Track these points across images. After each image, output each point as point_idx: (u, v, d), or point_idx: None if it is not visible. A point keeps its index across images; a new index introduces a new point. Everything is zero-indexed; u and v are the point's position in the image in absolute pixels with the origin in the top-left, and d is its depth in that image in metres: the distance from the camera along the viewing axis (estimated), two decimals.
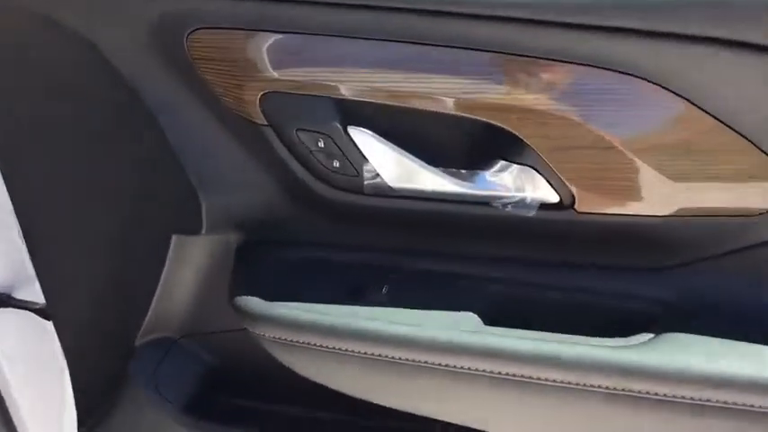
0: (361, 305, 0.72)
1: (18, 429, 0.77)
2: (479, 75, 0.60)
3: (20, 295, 0.94)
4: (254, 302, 0.74)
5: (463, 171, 0.67)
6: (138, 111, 0.70)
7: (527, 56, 0.59)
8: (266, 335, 0.74)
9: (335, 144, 0.67)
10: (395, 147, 0.66)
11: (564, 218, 0.67)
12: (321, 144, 0.67)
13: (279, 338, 0.73)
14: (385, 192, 0.69)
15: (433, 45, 0.60)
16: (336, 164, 0.68)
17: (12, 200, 0.72)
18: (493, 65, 0.60)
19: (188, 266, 0.88)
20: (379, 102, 0.63)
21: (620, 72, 0.58)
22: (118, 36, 0.66)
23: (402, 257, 0.77)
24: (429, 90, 0.62)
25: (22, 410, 0.86)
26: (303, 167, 0.70)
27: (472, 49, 0.59)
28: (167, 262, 0.86)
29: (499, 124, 0.62)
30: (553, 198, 0.66)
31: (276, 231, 0.81)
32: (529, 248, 0.73)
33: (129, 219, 0.80)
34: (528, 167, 0.65)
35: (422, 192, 0.68)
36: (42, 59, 0.67)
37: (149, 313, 0.91)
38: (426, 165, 0.67)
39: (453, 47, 0.60)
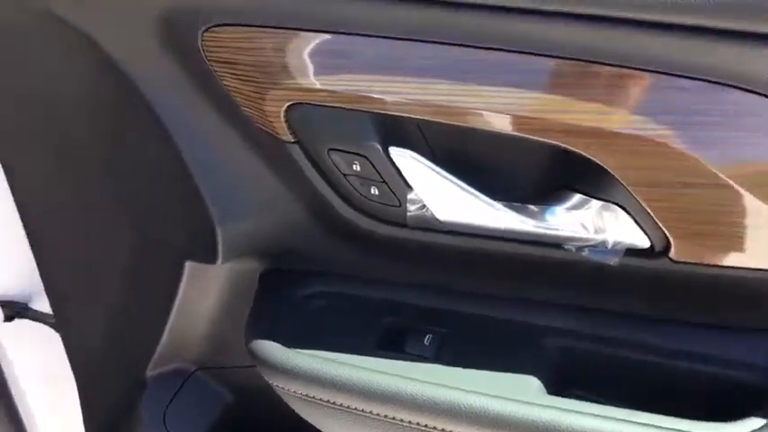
0: (397, 358, 0.63)
1: None
2: (556, 88, 0.50)
3: (38, 306, 0.94)
4: (270, 349, 0.67)
5: (530, 206, 0.57)
6: (148, 121, 0.63)
7: (617, 65, 0.48)
8: (284, 387, 0.66)
9: (374, 167, 0.58)
10: (445, 173, 0.57)
11: (654, 266, 0.56)
12: (357, 167, 0.58)
13: (298, 393, 0.64)
14: (432, 225, 0.60)
15: (500, 50, 0.50)
16: (374, 191, 0.59)
17: (18, 209, 0.76)
18: (574, 76, 0.49)
19: (206, 295, 0.81)
20: (428, 119, 0.54)
21: (741, 89, 0.47)
22: (122, 34, 0.59)
23: (450, 301, 0.67)
24: (491, 105, 0.52)
25: (36, 419, 0.95)
26: (335, 193, 0.62)
27: (549, 55, 0.49)
28: (182, 289, 0.79)
29: (578, 151, 0.51)
30: (642, 243, 0.55)
31: (303, 262, 0.72)
32: (607, 300, 0.63)
33: (138, 239, 0.76)
34: (612, 205, 0.54)
35: (477, 228, 0.58)
36: (42, 59, 0.63)
37: (162, 342, 0.85)
38: (484, 196, 0.57)
39: (525, 52, 0.50)
